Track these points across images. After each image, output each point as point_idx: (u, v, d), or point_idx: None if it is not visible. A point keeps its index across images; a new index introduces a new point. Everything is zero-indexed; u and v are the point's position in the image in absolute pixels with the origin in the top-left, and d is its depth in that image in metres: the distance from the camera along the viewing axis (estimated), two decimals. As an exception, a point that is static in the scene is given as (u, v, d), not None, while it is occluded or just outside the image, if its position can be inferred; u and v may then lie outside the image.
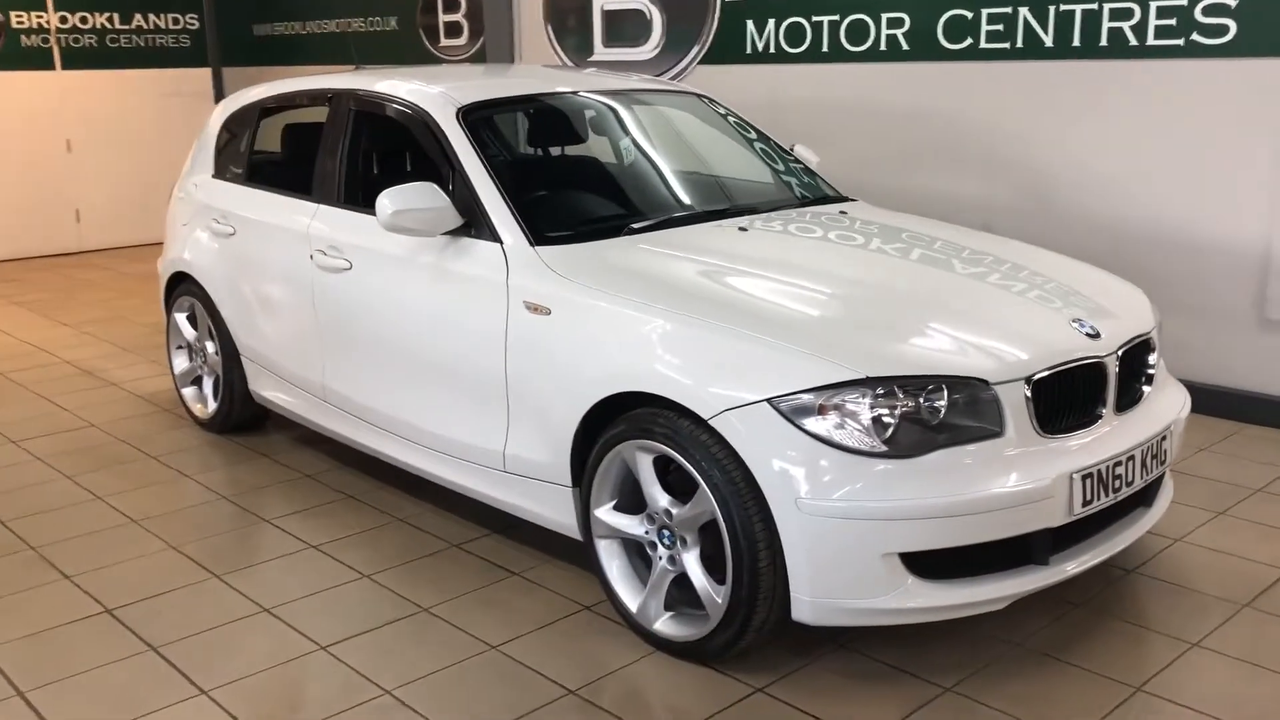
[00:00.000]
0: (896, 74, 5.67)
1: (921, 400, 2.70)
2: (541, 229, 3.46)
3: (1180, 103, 4.78)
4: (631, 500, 3.10)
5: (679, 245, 3.48)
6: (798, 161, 4.50)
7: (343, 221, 4.06)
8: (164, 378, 5.66)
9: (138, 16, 10.20)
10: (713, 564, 2.89)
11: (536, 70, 5.20)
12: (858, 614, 2.74)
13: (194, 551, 3.75)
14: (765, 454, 2.69)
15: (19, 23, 9.51)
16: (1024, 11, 5.15)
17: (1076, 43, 5.01)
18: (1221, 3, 4.57)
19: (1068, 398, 2.90)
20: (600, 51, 7.21)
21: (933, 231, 3.83)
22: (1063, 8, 5.03)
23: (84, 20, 9.87)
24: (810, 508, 2.64)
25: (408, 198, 3.47)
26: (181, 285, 4.98)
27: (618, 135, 4.47)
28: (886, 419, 2.68)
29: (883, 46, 5.70)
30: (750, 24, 6.27)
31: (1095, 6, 4.92)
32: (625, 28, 7.01)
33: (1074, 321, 3.05)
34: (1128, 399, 3.10)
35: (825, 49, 5.94)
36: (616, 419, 3.03)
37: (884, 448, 2.67)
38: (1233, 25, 4.56)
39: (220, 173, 4.95)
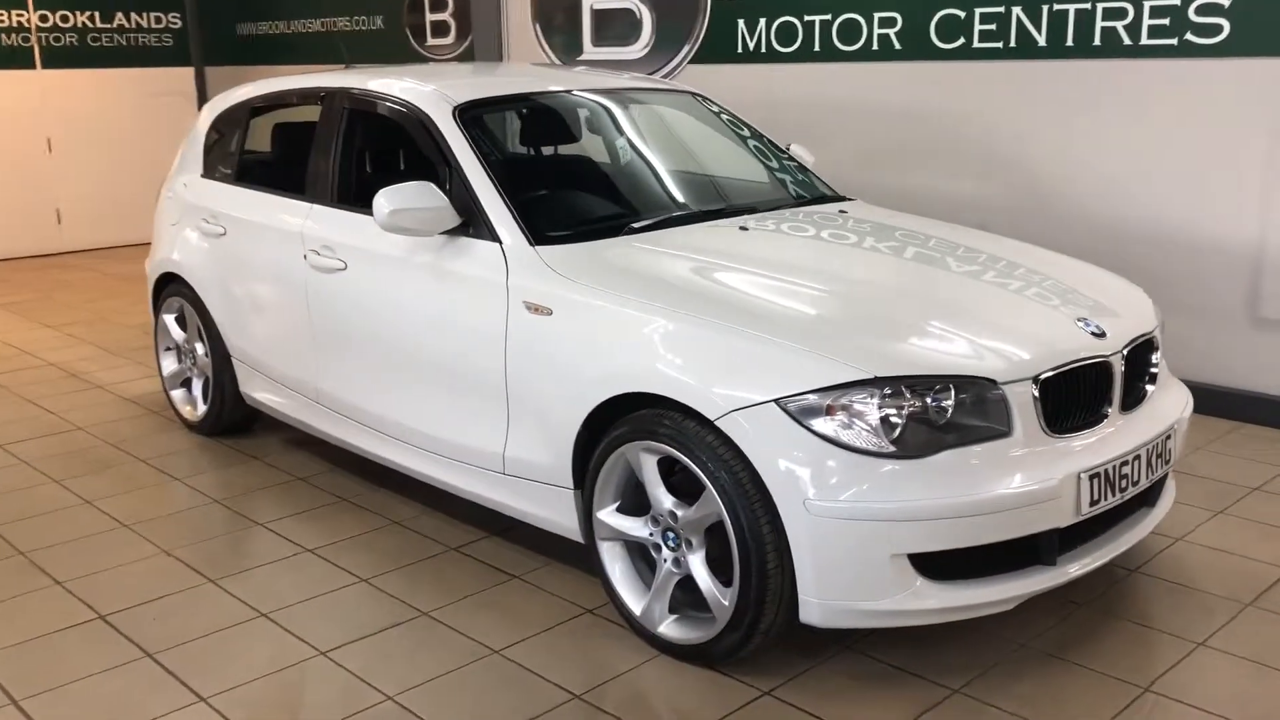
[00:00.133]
0: (889, 74, 5.66)
1: (929, 400, 2.69)
2: (541, 228, 3.43)
3: (1174, 102, 4.79)
4: (634, 502, 3.07)
5: (681, 245, 3.45)
6: (794, 161, 4.48)
7: (337, 221, 4.02)
8: (151, 380, 5.59)
9: (119, 15, 10.08)
10: (718, 566, 2.87)
11: (529, 69, 5.16)
12: (866, 616, 2.71)
13: (187, 556, 3.70)
14: (772, 455, 2.67)
15: (-2, 21, 9.42)
16: (1017, 11, 5.15)
17: (1070, 42, 5.01)
18: (1215, 2, 4.57)
19: (1074, 397, 2.89)
20: (589, 50, 7.18)
21: (934, 231, 3.82)
22: (1056, 7, 5.02)
23: (65, 19, 9.75)
24: (818, 509, 2.62)
25: (405, 197, 3.43)
26: (170, 286, 4.92)
27: (613, 134, 4.44)
28: (894, 419, 2.66)
29: (875, 46, 5.69)
30: (741, 23, 6.25)
31: (1089, 6, 4.92)
32: (614, 26, 6.98)
33: (1079, 321, 3.04)
34: (1132, 398, 3.09)
35: (817, 48, 5.93)
36: (619, 420, 3.00)
37: (892, 448, 2.65)
38: (1226, 25, 4.57)
39: (210, 172, 4.88)
